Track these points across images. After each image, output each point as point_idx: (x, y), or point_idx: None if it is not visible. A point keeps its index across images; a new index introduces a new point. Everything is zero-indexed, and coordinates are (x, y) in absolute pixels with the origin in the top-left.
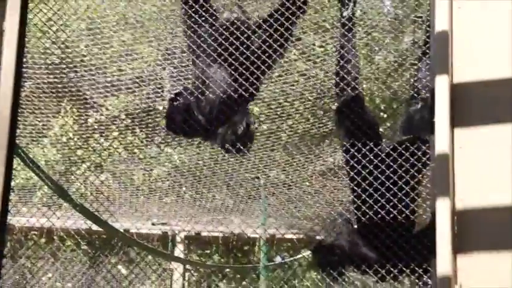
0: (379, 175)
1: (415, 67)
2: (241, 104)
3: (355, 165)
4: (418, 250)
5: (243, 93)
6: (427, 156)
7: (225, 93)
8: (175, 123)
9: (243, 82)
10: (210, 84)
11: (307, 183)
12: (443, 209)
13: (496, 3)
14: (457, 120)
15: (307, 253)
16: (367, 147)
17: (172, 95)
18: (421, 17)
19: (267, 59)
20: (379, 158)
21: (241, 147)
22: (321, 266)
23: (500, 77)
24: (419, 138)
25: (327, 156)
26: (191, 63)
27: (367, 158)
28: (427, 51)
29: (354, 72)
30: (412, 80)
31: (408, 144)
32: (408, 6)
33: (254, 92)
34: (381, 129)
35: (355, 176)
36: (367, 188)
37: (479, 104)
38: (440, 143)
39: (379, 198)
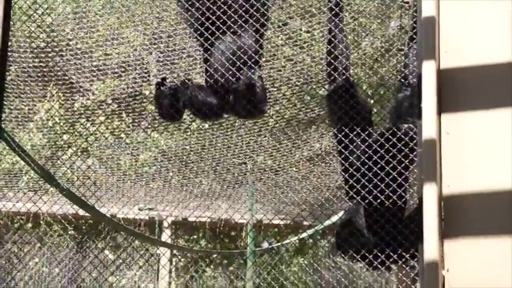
0: (368, 160)
1: (402, 53)
2: (247, 68)
3: (348, 150)
4: (406, 235)
5: (245, 57)
6: (415, 141)
7: (228, 60)
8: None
9: (242, 45)
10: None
11: (294, 169)
12: (430, 195)
13: None
14: (444, 106)
15: (294, 238)
16: (361, 133)
17: (159, 80)
18: (407, 2)
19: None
20: (370, 144)
21: (258, 109)
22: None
23: (487, 62)
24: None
25: (314, 142)
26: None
27: (361, 144)
28: (414, 36)
29: (343, 58)
30: (399, 66)
31: (396, 130)
32: None
33: (255, 55)
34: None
35: (346, 161)
36: (356, 173)
37: (467, 90)
38: (427, 128)
39: (367, 184)
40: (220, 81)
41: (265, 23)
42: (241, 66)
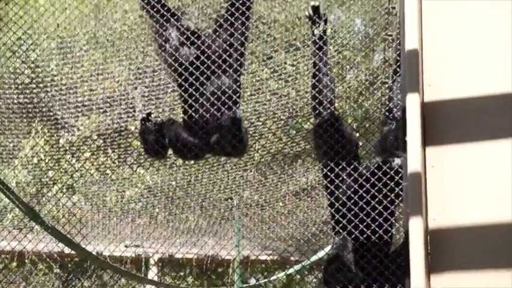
0: (354, 195)
1: (387, 86)
2: (227, 108)
3: (334, 185)
4: (392, 270)
5: (225, 98)
6: (400, 175)
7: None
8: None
9: (222, 86)
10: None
11: (281, 204)
12: (416, 229)
13: (465, 23)
14: (428, 139)
15: (281, 274)
16: (347, 167)
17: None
18: (391, 36)
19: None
20: (356, 178)
21: (239, 148)
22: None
23: (470, 95)
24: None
25: (300, 176)
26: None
27: (347, 178)
28: (398, 70)
29: (327, 91)
30: (383, 99)
31: (381, 164)
32: (378, 25)
33: (234, 95)
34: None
35: (332, 196)
36: (342, 207)
37: (451, 122)
38: (412, 162)
39: (353, 218)
40: (201, 121)
41: (244, 63)
42: (221, 106)
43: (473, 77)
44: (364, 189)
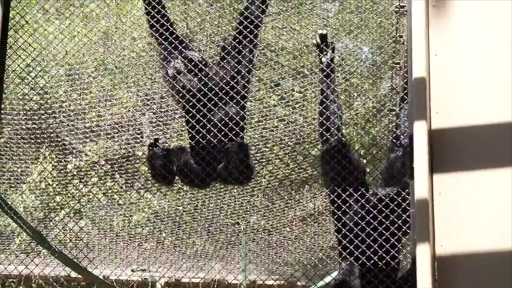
0: (362, 221)
1: (394, 113)
2: (234, 134)
3: (341, 211)
4: None
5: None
6: (407, 202)
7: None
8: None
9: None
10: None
11: (288, 229)
12: (423, 255)
13: (472, 51)
14: (436, 166)
15: None
16: (354, 194)
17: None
18: (398, 63)
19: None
20: (365, 205)
21: (244, 178)
22: None
23: (478, 123)
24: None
25: (307, 202)
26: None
27: (354, 204)
28: (405, 97)
29: (335, 118)
30: (390, 126)
31: (389, 191)
32: (386, 53)
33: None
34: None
35: (339, 222)
36: (349, 233)
37: (458, 150)
38: (420, 189)
39: (360, 244)
40: (208, 148)
41: (250, 89)
42: (228, 132)
43: (481, 105)
44: (371, 215)
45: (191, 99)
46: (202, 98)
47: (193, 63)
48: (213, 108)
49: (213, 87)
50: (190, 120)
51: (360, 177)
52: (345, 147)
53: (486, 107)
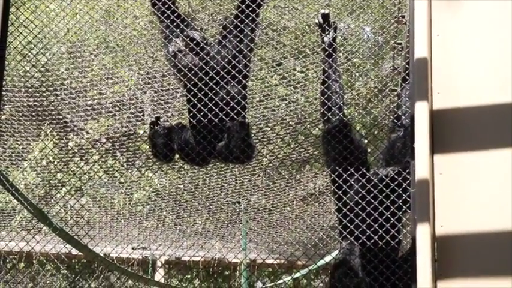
0: (362, 201)
1: (395, 93)
2: (235, 113)
3: (342, 190)
4: (399, 276)
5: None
6: (408, 182)
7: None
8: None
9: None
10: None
11: (288, 208)
12: (423, 235)
13: (474, 31)
14: (437, 146)
15: (287, 278)
16: (355, 173)
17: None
18: (400, 44)
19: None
20: (365, 185)
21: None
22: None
23: (479, 103)
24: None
25: (308, 181)
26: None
27: (355, 184)
28: (407, 77)
29: (336, 98)
30: (392, 106)
31: (390, 171)
32: (388, 33)
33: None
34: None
35: (340, 201)
36: (349, 213)
37: (459, 130)
38: (421, 169)
39: (360, 224)
40: (209, 126)
41: (252, 69)
42: (229, 111)
43: (482, 85)
44: (371, 195)
45: (192, 77)
46: (203, 76)
47: (194, 41)
48: (214, 87)
49: (215, 66)
50: (192, 98)
51: (361, 157)
52: (346, 127)
53: (488, 87)
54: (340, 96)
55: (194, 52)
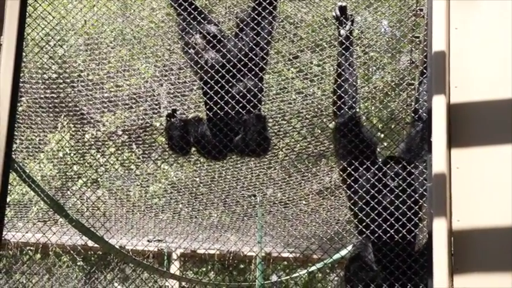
0: (376, 194)
1: (413, 87)
2: (252, 106)
3: (357, 184)
4: (415, 270)
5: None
6: (424, 176)
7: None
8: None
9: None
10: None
11: (304, 202)
12: (439, 229)
13: (492, 25)
14: (454, 140)
15: (303, 272)
16: (364, 166)
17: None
18: (418, 37)
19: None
20: (376, 177)
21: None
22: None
23: (497, 97)
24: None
25: (324, 175)
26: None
27: (365, 177)
28: (425, 71)
29: (351, 91)
30: (409, 100)
31: (406, 164)
32: (405, 26)
33: (258, 94)
34: (378, 149)
35: (352, 195)
36: (365, 207)
37: (477, 124)
38: (437, 163)
39: (376, 218)
40: (225, 119)
41: (269, 62)
42: (246, 104)
43: (500, 79)
44: (388, 189)
45: (209, 70)
46: (220, 69)
47: (211, 35)
48: (231, 80)
49: (231, 59)
50: (208, 91)
51: (372, 151)
52: (359, 121)
53: (505, 82)
54: (355, 90)
55: (211, 45)
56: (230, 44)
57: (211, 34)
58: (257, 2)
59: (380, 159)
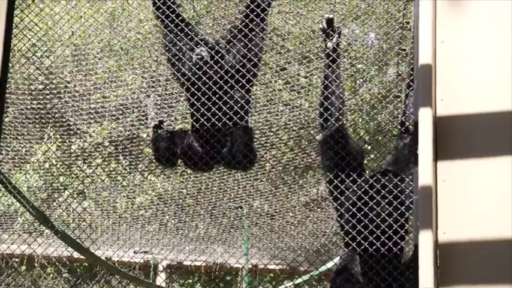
0: (362, 206)
1: (399, 99)
2: (239, 118)
3: (343, 196)
4: (401, 283)
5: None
6: (411, 188)
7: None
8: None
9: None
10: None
11: (291, 214)
12: (426, 242)
13: (479, 38)
14: (440, 153)
15: (289, 284)
16: (351, 178)
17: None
18: (404, 50)
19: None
20: (362, 189)
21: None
22: None
23: (483, 111)
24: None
25: (311, 187)
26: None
27: (357, 190)
28: (411, 84)
29: (338, 103)
30: (396, 113)
31: (392, 177)
32: (392, 39)
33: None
34: (365, 161)
35: (339, 207)
36: (351, 219)
37: (463, 137)
38: (424, 175)
39: (362, 230)
40: (212, 131)
41: (257, 74)
42: (233, 116)
43: (486, 92)
44: (374, 201)
45: (196, 82)
46: (207, 81)
47: (203, 60)
48: (218, 91)
49: (218, 70)
50: (195, 103)
51: (359, 163)
52: (345, 134)
53: (491, 95)
54: (341, 102)
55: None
56: (218, 56)
57: (203, 58)
58: (245, 14)
59: (368, 172)
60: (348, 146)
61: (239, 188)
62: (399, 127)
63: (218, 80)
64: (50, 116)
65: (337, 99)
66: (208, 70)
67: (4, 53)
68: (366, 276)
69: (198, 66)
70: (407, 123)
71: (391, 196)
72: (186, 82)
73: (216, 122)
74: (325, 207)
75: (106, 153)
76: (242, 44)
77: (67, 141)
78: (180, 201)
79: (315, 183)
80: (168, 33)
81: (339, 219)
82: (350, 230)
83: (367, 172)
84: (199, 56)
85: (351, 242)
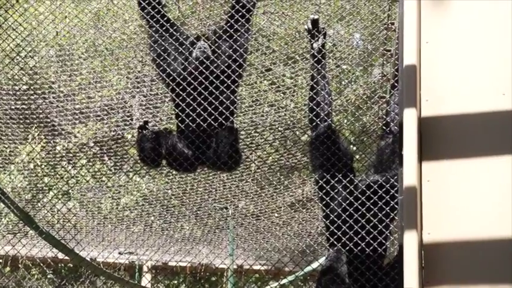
0: (350, 207)
1: (384, 100)
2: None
3: (329, 197)
4: (386, 283)
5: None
6: (395, 189)
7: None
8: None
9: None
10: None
11: (276, 215)
12: (410, 242)
13: (463, 39)
14: (425, 153)
15: (275, 284)
16: (343, 180)
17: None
18: (389, 51)
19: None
20: (353, 191)
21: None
22: None
23: (467, 111)
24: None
25: (296, 188)
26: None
27: (342, 190)
28: (396, 84)
29: (325, 104)
30: (381, 113)
31: (377, 178)
32: (377, 40)
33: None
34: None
35: (327, 208)
36: (337, 220)
37: (447, 138)
38: (408, 176)
39: (347, 231)
40: (197, 131)
41: (242, 74)
42: (218, 117)
43: (471, 92)
44: (359, 201)
45: (181, 82)
46: (192, 81)
47: (199, 60)
48: (203, 92)
49: (204, 71)
50: (180, 103)
51: (348, 163)
52: (334, 134)
53: (476, 95)
54: (328, 102)
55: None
56: (203, 56)
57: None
58: (230, 14)
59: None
60: (335, 146)
61: (224, 188)
62: (384, 128)
63: (203, 81)
64: (34, 116)
65: (323, 99)
66: (193, 71)
67: None
68: (351, 277)
69: (199, 60)
70: (392, 124)
71: (377, 197)
72: (171, 83)
73: (201, 123)
74: (310, 207)
75: (91, 154)
76: (227, 44)
77: (52, 141)
78: (165, 202)
79: (300, 184)
80: (153, 33)
81: (324, 219)
82: (335, 230)
83: (357, 175)
84: (201, 49)
85: (336, 243)
